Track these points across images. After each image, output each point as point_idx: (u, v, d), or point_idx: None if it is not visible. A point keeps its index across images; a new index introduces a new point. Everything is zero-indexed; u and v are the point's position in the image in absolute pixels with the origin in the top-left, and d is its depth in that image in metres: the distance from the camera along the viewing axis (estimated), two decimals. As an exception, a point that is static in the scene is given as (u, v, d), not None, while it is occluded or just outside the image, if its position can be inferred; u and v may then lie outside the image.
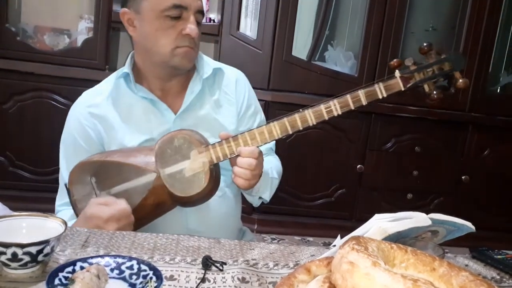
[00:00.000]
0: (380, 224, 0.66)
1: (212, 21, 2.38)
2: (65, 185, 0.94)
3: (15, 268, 0.60)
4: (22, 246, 0.58)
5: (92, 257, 0.63)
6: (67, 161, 1.01)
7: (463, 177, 2.41)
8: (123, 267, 0.62)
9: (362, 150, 2.34)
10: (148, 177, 0.91)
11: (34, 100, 2.11)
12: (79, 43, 2.21)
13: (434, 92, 0.93)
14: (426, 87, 0.94)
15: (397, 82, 0.92)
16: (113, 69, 2.30)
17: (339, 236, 0.71)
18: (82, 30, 2.27)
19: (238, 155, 0.92)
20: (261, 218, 2.30)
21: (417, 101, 2.35)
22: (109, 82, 1.04)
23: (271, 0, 2.16)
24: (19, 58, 2.06)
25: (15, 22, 2.20)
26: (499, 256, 0.85)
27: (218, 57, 2.21)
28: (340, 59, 2.44)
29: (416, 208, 2.24)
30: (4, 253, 0.58)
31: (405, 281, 0.44)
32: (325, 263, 0.57)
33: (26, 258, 0.59)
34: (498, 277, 0.80)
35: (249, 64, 2.09)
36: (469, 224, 0.76)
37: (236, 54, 2.17)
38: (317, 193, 2.35)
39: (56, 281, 0.56)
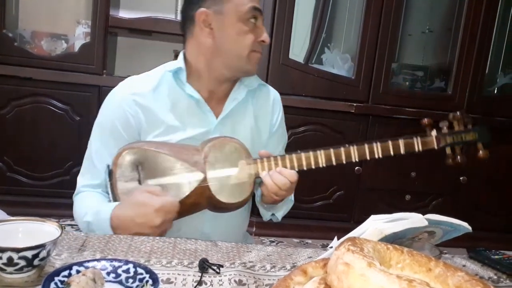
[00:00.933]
0: (377, 225, 0.66)
1: (209, 25, 2.38)
2: (108, 166, 0.93)
3: (10, 273, 0.60)
4: (17, 250, 0.58)
5: (88, 261, 0.62)
6: (102, 145, 0.99)
7: (461, 178, 2.41)
8: (119, 271, 0.62)
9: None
10: (194, 176, 0.92)
11: (32, 105, 2.11)
12: (76, 48, 2.22)
13: (459, 157, 1.04)
14: (448, 149, 1.05)
15: (432, 141, 1.03)
16: (110, 73, 2.31)
17: (336, 238, 0.71)
18: (80, 35, 2.28)
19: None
20: (260, 221, 2.28)
21: (414, 102, 2.36)
22: (156, 74, 1.03)
23: (268, 3, 2.17)
24: (17, 64, 2.06)
25: (12, 27, 2.20)
26: (496, 257, 0.85)
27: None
28: (337, 62, 2.44)
29: (415, 209, 2.24)
30: (0, 258, 0.58)
31: (400, 281, 0.44)
32: (322, 265, 0.57)
33: (22, 263, 0.59)
34: (495, 277, 0.80)
35: None
36: (465, 224, 0.76)
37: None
38: (316, 195, 2.36)
39: (52, 285, 0.56)
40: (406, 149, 1.02)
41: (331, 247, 0.71)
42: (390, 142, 1.00)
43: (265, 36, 0.99)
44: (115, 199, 0.91)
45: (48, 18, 2.31)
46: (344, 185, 2.37)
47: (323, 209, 2.38)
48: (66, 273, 0.59)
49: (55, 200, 2.12)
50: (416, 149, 1.03)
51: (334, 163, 0.99)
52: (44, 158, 2.15)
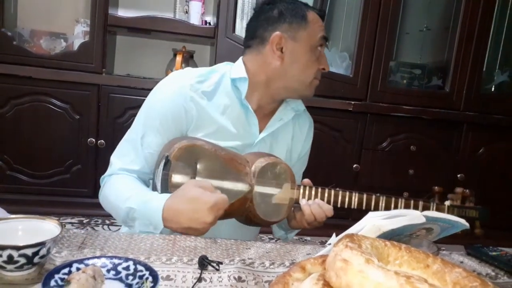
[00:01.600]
0: (375, 222, 0.66)
1: (208, 24, 2.39)
2: (167, 156, 0.90)
3: (11, 271, 0.60)
4: (17, 248, 0.58)
5: (88, 258, 0.63)
6: (149, 131, 0.98)
7: (458, 176, 2.42)
8: (119, 268, 0.62)
9: (358, 149, 2.35)
10: (242, 186, 0.94)
11: (31, 104, 2.11)
12: (75, 47, 2.21)
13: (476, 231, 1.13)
14: None
15: (445, 209, 1.13)
16: (110, 72, 2.31)
17: (334, 234, 0.72)
18: (79, 34, 2.27)
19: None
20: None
21: (412, 100, 2.36)
22: (216, 75, 1.02)
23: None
24: (16, 63, 2.06)
25: (11, 26, 2.20)
26: (493, 253, 0.86)
27: (214, 60, 2.22)
28: (335, 60, 2.45)
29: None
30: (0, 256, 0.58)
31: (398, 278, 0.44)
32: (320, 261, 0.58)
33: (22, 260, 0.59)
34: (493, 273, 0.81)
35: None
36: (463, 221, 0.77)
37: (232, 57, 2.14)
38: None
39: (52, 283, 0.56)
40: (423, 209, 1.12)
41: (330, 244, 0.71)
42: (412, 201, 1.12)
43: (326, 65, 1.04)
44: (165, 191, 0.90)
45: (47, 17, 2.31)
46: (342, 182, 2.36)
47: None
48: (66, 270, 0.59)
49: (55, 198, 2.12)
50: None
51: (364, 207, 1.05)
52: (43, 156, 2.15)
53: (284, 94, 1.05)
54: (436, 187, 1.15)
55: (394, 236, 0.67)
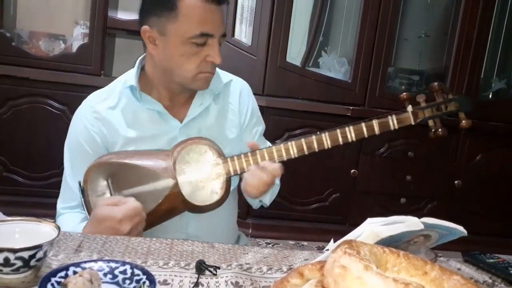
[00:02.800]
0: (373, 228, 0.66)
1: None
2: (79, 183, 0.92)
3: (7, 273, 0.60)
4: (14, 251, 0.58)
5: (85, 262, 0.62)
6: (72, 165, 1.01)
7: (456, 182, 2.43)
8: (116, 272, 0.62)
9: (355, 154, 2.35)
10: (165, 183, 0.92)
11: (29, 105, 2.11)
12: (74, 48, 2.21)
13: (440, 130, 1.01)
14: (431, 122, 1.01)
15: (409, 117, 1.00)
16: (108, 74, 2.31)
17: (332, 240, 0.71)
18: (78, 35, 2.27)
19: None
20: (256, 223, 2.30)
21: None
22: (114, 89, 1.02)
23: (265, 6, 2.18)
24: (14, 64, 2.06)
25: (10, 27, 2.20)
26: (491, 260, 0.85)
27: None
28: (334, 65, 2.46)
29: (410, 212, 2.26)
30: (-3, 258, 0.58)
31: (396, 284, 0.44)
32: (318, 267, 0.57)
33: (19, 263, 0.59)
34: (490, 280, 0.81)
35: (244, 70, 2.10)
36: (461, 228, 0.77)
37: (231, 60, 2.17)
38: (311, 198, 2.36)
39: (49, 286, 0.56)
40: (381, 129, 0.99)
41: (328, 249, 0.71)
42: (363, 124, 0.98)
43: (214, 57, 0.93)
44: (90, 215, 0.91)
45: (46, 18, 2.31)
46: (340, 187, 2.38)
47: (318, 212, 2.39)
48: (63, 274, 0.59)
49: (51, 200, 2.08)
50: (392, 127, 1.00)
51: (306, 152, 0.97)
52: (41, 158, 2.14)
53: (175, 86, 0.99)
54: (404, 94, 0.99)
55: (392, 242, 0.67)
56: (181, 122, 1.01)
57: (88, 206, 0.91)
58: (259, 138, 1.14)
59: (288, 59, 2.26)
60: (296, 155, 0.98)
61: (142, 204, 0.87)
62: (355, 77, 2.31)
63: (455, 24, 2.37)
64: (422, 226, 0.70)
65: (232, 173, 0.95)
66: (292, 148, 0.97)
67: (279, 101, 2.18)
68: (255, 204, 1.11)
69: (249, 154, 0.96)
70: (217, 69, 1.07)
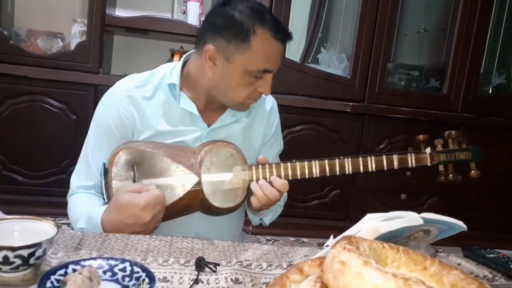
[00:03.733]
0: (372, 224, 0.66)
1: (205, 24, 2.38)
2: (104, 164, 0.92)
3: (6, 272, 0.60)
4: (13, 249, 0.58)
5: (84, 260, 0.62)
6: (97, 144, 1.00)
7: (458, 176, 2.42)
8: (115, 269, 0.62)
9: (355, 151, 2.35)
10: (189, 179, 0.92)
11: (28, 103, 2.10)
12: (72, 46, 2.21)
13: (451, 175, 1.07)
14: (441, 167, 1.07)
15: (426, 158, 1.05)
16: (107, 72, 2.30)
17: (332, 236, 0.71)
18: (76, 33, 2.27)
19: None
20: (256, 220, 2.30)
21: (409, 102, 2.37)
22: (150, 80, 1.02)
23: (264, 3, 2.17)
24: (12, 62, 2.05)
25: (8, 25, 2.19)
26: (491, 255, 0.86)
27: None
28: (333, 61, 2.45)
29: (410, 208, 2.27)
30: (-4, 257, 0.58)
31: (396, 280, 0.44)
32: (318, 263, 0.57)
33: (18, 261, 0.58)
34: (490, 275, 0.81)
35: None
36: (460, 223, 0.77)
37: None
38: (311, 194, 2.36)
39: (48, 284, 0.56)
40: (400, 165, 1.04)
41: (327, 245, 0.71)
42: (384, 157, 1.02)
43: (266, 90, 0.97)
44: (109, 199, 0.91)
45: (44, 16, 2.30)
46: (340, 184, 2.38)
47: (319, 208, 2.39)
48: (62, 271, 0.59)
49: (51, 198, 2.11)
50: (410, 165, 1.05)
51: (327, 174, 1.01)
52: (40, 156, 2.14)
53: (215, 99, 1.00)
54: (421, 136, 1.05)
55: (392, 238, 0.67)
56: (209, 126, 1.02)
57: (109, 188, 0.91)
58: (275, 157, 1.16)
59: (287, 56, 2.25)
60: (318, 175, 1.00)
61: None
62: (355, 73, 2.30)
63: (454, 19, 2.37)
64: (421, 221, 0.70)
65: (254, 181, 0.97)
66: (315, 167, 1.00)
67: (278, 97, 2.13)
68: (255, 221, 1.13)
69: (273, 165, 0.98)
70: None
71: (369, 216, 0.69)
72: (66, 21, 2.30)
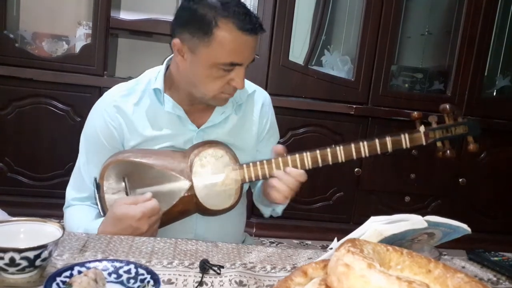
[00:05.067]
0: (376, 227, 0.66)
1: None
2: (95, 179, 0.94)
3: (12, 273, 0.60)
4: (19, 251, 0.58)
5: (89, 261, 0.63)
6: (88, 157, 1.01)
7: (460, 180, 2.42)
8: (120, 271, 0.62)
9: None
10: (181, 185, 0.93)
11: (33, 106, 2.12)
12: (77, 49, 2.22)
13: (448, 151, 1.04)
14: (439, 143, 1.04)
15: (420, 137, 1.02)
16: (111, 75, 2.31)
17: (336, 239, 0.71)
18: (81, 36, 2.28)
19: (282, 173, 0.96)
20: (260, 222, 2.30)
21: (413, 104, 2.36)
22: (136, 87, 1.02)
23: (268, 5, 2.18)
24: (18, 65, 2.07)
25: (13, 28, 2.21)
26: (495, 258, 0.85)
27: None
28: (337, 64, 2.45)
29: (414, 210, 2.26)
30: (2, 258, 0.58)
31: (400, 282, 0.44)
32: (322, 266, 0.57)
33: (24, 263, 0.59)
34: (494, 278, 0.80)
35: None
36: (465, 226, 0.77)
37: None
38: (315, 197, 2.36)
39: (54, 286, 0.56)
40: (393, 147, 1.01)
41: (331, 248, 0.71)
42: (377, 141, 1.00)
43: (237, 83, 0.93)
44: (104, 212, 0.92)
45: (49, 19, 2.32)
46: (344, 186, 2.37)
47: (322, 210, 2.38)
48: (68, 273, 0.59)
49: (56, 200, 2.11)
50: (404, 146, 1.01)
51: (320, 164, 0.99)
52: (45, 158, 2.15)
53: (196, 97, 0.98)
54: (415, 113, 1.01)
55: (395, 241, 0.67)
56: (198, 127, 1.01)
57: (102, 202, 0.92)
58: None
59: (291, 58, 2.26)
60: (310, 167, 0.98)
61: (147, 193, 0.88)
62: (358, 76, 2.30)
63: (458, 21, 2.36)
64: (426, 224, 0.70)
65: (247, 179, 0.96)
66: (306, 159, 0.98)
67: (281, 100, 2.18)
68: (267, 212, 1.13)
69: (264, 162, 0.97)
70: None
71: (373, 219, 0.69)
72: (71, 24, 2.32)
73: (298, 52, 2.37)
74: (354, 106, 2.28)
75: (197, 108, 1.02)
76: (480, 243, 1.99)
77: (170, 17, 2.35)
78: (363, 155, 1.00)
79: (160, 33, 2.26)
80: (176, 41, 0.94)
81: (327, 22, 2.45)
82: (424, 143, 1.02)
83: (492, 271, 0.83)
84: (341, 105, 2.28)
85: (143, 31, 2.25)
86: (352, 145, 0.99)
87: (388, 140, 1.00)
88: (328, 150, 0.98)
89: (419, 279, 0.53)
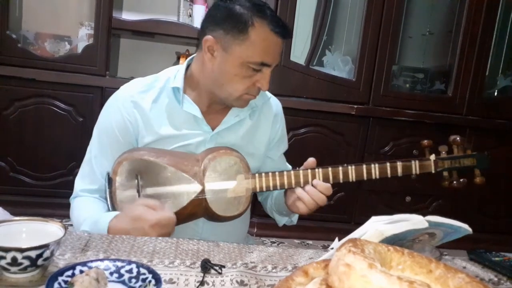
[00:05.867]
0: (377, 227, 0.66)
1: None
2: (108, 174, 0.94)
3: (14, 273, 0.60)
4: (21, 250, 0.58)
5: (91, 261, 0.63)
6: (101, 149, 1.01)
7: (461, 180, 2.41)
8: (122, 271, 0.62)
9: (360, 153, 2.35)
10: (192, 188, 0.93)
11: (35, 106, 2.13)
12: (79, 49, 2.23)
13: (455, 182, 1.06)
14: (446, 172, 1.06)
15: (430, 165, 1.04)
16: (113, 75, 2.32)
17: (337, 239, 0.72)
18: (83, 36, 2.29)
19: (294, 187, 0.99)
20: (261, 222, 2.30)
21: (414, 104, 2.36)
22: (155, 84, 1.02)
23: (269, 5, 2.18)
24: (20, 65, 2.08)
25: (16, 29, 2.22)
26: (496, 258, 0.85)
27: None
28: (338, 64, 2.45)
29: (415, 211, 2.26)
30: (4, 258, 0.58)
31: (401, 283, 0.44)
32: (323, 266, 0.57)
33: (26, 262, 0.59)
34: (495, 279, 0.80)
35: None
36: (466, 226, 0.77)
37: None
38: (317, 197, 2.36)
39: (56, 285, 0.56)
40: (403, 172, 1.04)
41: (332, 248, 0.71)
42: (388, 164, 1.02)
43: (264, 85, 0.96)
44: (113, 207, 0.92)
45: (51, 20, 2.33)
46: (345, 186, 2.37)
47: (324, 210, 2.36)
48: (69, 273, 0.59)
49: (58, 200, 2.13)
50: (414, 172, 1.05)
51: (331, 181, 1.00)
52: (47, 158, 2.16)
53: (217, 97, 1.00)
54: (425, 141, 1.04)
55: (396, 241, 0.67)
56: (213, 129, 1.02)
57: (112, 197, 0.92)
58: (280, 156, 1.18)
59: (292, 58, 2.26)
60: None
61: (167, 205, 0.88)
62: (359, 76, 2.30)
63: (459, 21, 2.36)
64: (427, 224, 0.70)
65: (257, 189, 0.97)
66: (318, 175, 0.99)
67: (283, 100, 2.13)
68: (282, 221, 1.16)
69: (276, 173, 0.98)
70: None
71: (374, 219, 0.70)
72: (73, 25, 2.32)
73: (299, 52, 2.37)
74: (355, 106, 2.28)
75: (214, 110, 1.03)
76: (481, 243, 1.99)
77: (172, 18, 2.37)
78: (373, 176, 1.04)
79: (161, 34, 2.26)
80: (209, 37, 0.95)
81: (329, 22, 2.45)
82: (433, 171, 1.05)
83: (493, 272, 0.83)
84: (342, 105, 2.28)
85: (145, 31, 2.26)
86: (364, 166, 1.02)
87: (399, 165, 1.03)
88: (340, 168, 1.01)
89: (420, 279, 0.53)
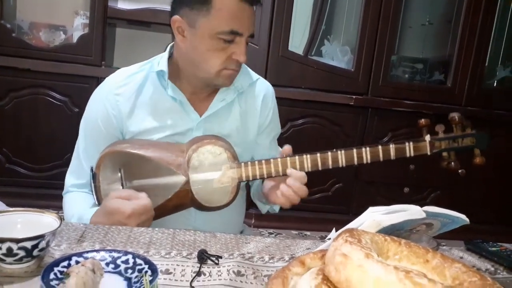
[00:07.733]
0: (375, 217, 0.66)
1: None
2: (92, 168, 0.93)
3: (10, 263, 0.60)
4: (17, 241, 0.58)
5: (87, 252, 0.63)
6: (86, 142, 1.00)
7: (459, 171, 2.41)
8: (118, 261, 0.62)
9: (358, 144, 2.34)
10: (177, 179, 0.92)
11: (30, 96, 2.11)
12: (75, 39, 2.20)
13: (452, 163, 1.01)
14: (445, 153, 1.01)
15: (425, 146, 0.98)
16: (109, 65, 2.30)
17: (334, 229, 0.71)
18: (78, 26, 2.26)
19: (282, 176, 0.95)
20: (258, 213, 2.30)
21: (413, 95, 2.35)
22: (141, 71, 1.01)
23: (267, -3, 2.16)
24: (15, 55, 2.05)
25: (10, 18, 2.19)
26: (493, 248, 0.86)
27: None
28: (337, 54, 2.44)
29: (413, 201, 2.27)
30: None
31: (397, 272, 0.44)
32: (320, 256, 0.57)
33: (21, 253, 0.59)
34: (492, 268, 0.81)
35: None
36: (463, 216, 0.77)
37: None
38: (314, 188, 2.36)
39: (52, 276, 0.56)
40: (397, 155, 0.97)
41: (329, 238, 0.71)
42: (380, 147, 0.97)
43: (240, 56, 0.93)
44: (99, 202, 0.91)
45: (46, 9, 2.30)
46: (343, 177, 2.38)
47: (321, 201, 2.39)
48: (65, 263, 0.59)
49: (53, 191, 2.11)
50: (408, 154, 0.98)
51: (320, 168, 0.97)
52: (42, 149, 2.15)
53: (199, 80, 0.98)
54: (422, 120, 0.97)
55: (394, 231, 0.67)
56: (200, 116, 1.01)
57: (97, 192, 0.92)
58: (272, 141, 1.14)
59: (291, 48, 2.24)
60: (310, 169, 0.97)
61: (151, 197, 0.87)
62: (358, 66, 2.29)
63: (459, 11, 2.35)
64: (424, 215, 0.70)
65: (244, 179, 0.95)
66: (306, 162, 0.96)
67: (281, 90, 2.17)
68: (264, 209, 1.12)
69: (263, 162, 0.95)
70: (247, 68, 1.08)
71: (371, 209, 0.69)
72: (69, 14, 2.30)
73: (297, 42, 2.35)
74: (354, 96, 2.27)
75: (199, 97, 1.02)
76: (478, 234, 2.00)
77: (168, 7, 2.34)
78: (364, 161, 0.98)
79: (158, 23, 2.24)
80: (175, 18, 0.93)
81: (327, 12, 2.43)
82: (428, 152, 0.99)
83: (490, 261, 0.83)
84: (340, 96, 2.27)
85: (141, 20, 2.23)
86: (354, 150, 0.97)
87: (392, 147, 0.97)
88: (329, 153, 0.97)
89: (416, 269, 0.53)
